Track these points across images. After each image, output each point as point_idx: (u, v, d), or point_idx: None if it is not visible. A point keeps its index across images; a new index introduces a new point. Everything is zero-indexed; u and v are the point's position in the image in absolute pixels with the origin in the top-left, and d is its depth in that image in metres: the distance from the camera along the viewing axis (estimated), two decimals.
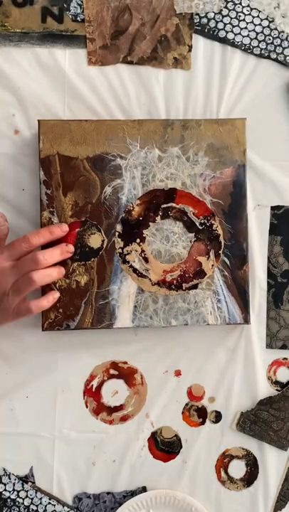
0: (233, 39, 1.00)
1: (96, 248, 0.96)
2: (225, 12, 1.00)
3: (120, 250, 0.96)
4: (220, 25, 1.00)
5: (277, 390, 1.00)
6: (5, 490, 0.99)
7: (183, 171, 0.96)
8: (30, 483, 0.99)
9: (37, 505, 0.99)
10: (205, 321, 0.96)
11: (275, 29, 1.00)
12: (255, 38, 1.00)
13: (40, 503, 0.99)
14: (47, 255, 0.91)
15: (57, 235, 0.93)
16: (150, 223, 0.96)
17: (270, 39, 1.00)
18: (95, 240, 0.96)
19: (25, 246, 0.90)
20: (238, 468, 1.00)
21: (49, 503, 0.99)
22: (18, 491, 0.99)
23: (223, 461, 1.00)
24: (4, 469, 0.99)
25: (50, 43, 0.99)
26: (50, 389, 0.99)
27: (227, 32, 1.00)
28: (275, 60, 1.00)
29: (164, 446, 1.00)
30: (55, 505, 0.99)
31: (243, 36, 1.00)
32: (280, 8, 1.00)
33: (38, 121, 0.96)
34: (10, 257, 0.91)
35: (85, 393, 0.99)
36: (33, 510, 0.99)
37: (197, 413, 1.00)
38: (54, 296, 0.94)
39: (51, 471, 0.99)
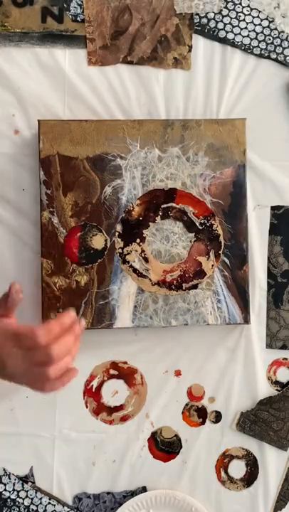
0: (233, 39, 1.00)
1: (101, 249, 0.96)
2: (225, 12, 1.00)
3: (120, 250, 0.96)
4: (220, 26, 1.00)
5: (277, 390, 1.00)
6: (5, 490, 0.99)
7: (183, 171, 0.96)
8: (30, 483, 0.99)
9: (37, 505, 0.98)
10: (205, 321, 0.96)
11: (275, 29, 1.00)
12: (255, 38, 1.00)
13: (40, 503, 0.99)
14: (62, 350, 0.76)
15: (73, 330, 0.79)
16: (150, 223, 0.96)
17: (270, 39, 1.00)
18: (98, 241, 0.96)
19: (32, 344, 0.76)
20: (238, 468, 1.00)
21: (49, 503, 0.99)
22: (18, 491, 0.99)
23: (223, 461, 1.00)
24: (4, 469, 0.99)
25: (50, 43, 0.99)
26: None
27: (227, 32, 1.00)
28: (275, 60, 1.00)
29: (164, 446, 1.00)
30: (55, 505, 0.99)
31: (243, 36, 1.00)
32: (280, 8, 1.00)
33: (38, 121, 0.96)
34: (16, 346, 0.77)
35: (85, 393, 0.99)
36: (33, 510, 0.99)
37: (197, 413, 1.00)
38: (73, 374, 0.80)
39: (51, 471, 0.99)
